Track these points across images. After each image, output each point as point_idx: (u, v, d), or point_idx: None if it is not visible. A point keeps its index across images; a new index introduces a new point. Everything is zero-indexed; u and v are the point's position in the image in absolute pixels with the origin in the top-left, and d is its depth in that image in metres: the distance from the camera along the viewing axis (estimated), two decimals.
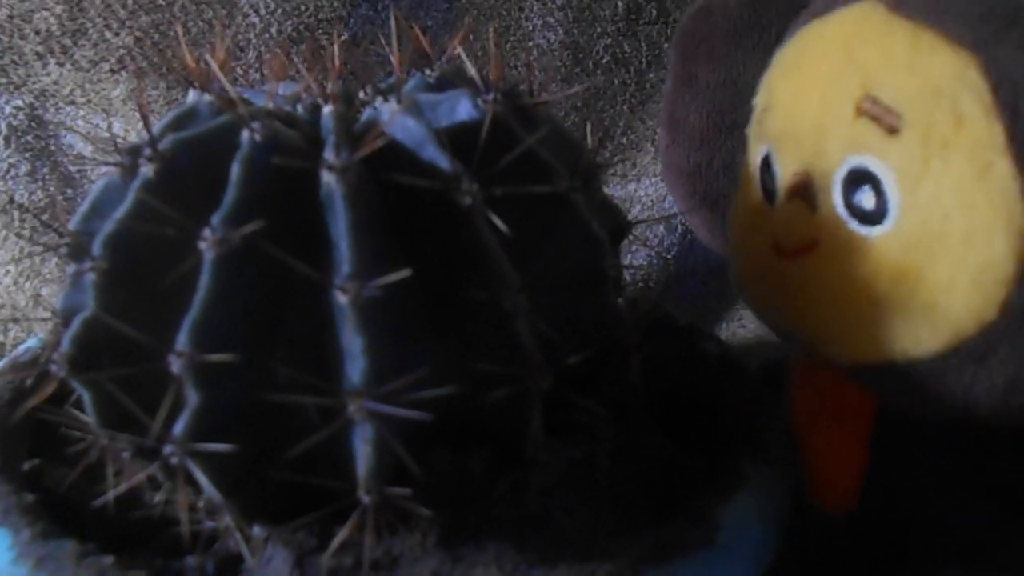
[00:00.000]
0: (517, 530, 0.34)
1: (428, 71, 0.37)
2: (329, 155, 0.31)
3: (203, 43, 0.56)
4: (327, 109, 0.33)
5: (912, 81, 0.35)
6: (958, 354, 0.35)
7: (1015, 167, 0.32)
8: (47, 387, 0.34)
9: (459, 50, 0.37)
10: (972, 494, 0.40)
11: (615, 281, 0.37)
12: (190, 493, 0.33)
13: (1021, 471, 0.40)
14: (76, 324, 0.32)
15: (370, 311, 0.30)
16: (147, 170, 0.31)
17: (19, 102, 0.58)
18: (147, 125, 0.32)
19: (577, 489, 0.36)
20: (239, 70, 0.57)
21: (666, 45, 0.60)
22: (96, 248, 0.31)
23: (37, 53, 0.57)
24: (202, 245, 0.30)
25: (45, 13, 0.56)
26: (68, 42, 0.57)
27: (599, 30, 0.60)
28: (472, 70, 0.35)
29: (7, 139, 0.58)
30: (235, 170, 0.31)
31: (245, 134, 0.31)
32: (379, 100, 0.34)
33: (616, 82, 0.61)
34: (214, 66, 0.34)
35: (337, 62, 0.35)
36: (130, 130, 0.57)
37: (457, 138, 0.33)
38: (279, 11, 0.57)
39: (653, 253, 0.62)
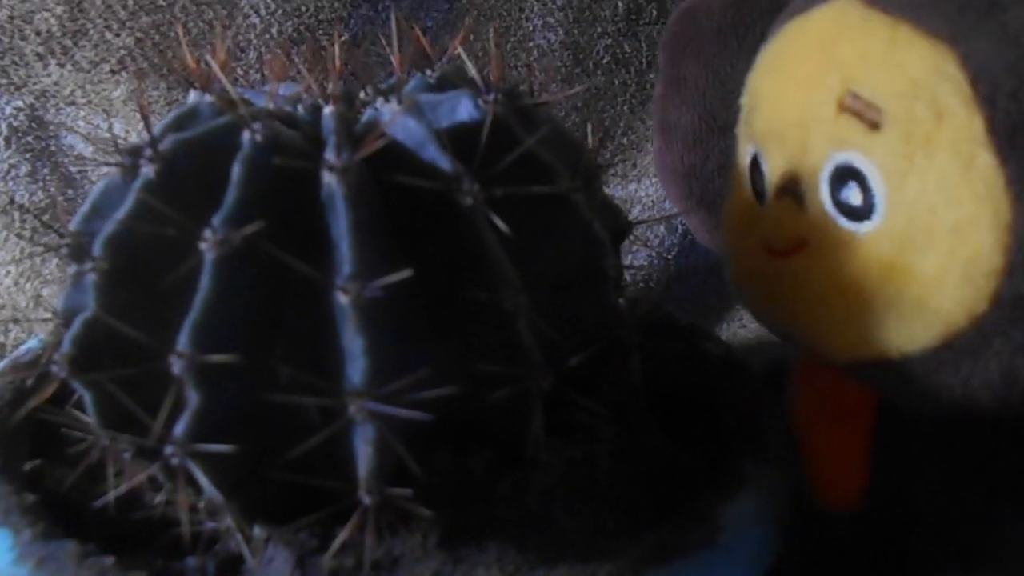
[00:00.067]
0: (518, 530, 0.34)
1: (429, 71, 0.37)
2: (330, 155, 0.31)
3: (204, 44, 0.56)
4: (328, 109, 0.33)
5: (891, 76, 0.35)
6: (952, 348, 0.35)
7: (998, 159, 0.32)
8: (48, 388, 0.34)
9: (460, 50, 0.37)
10: (972, 494, 0.40)
11: (616, 281, 0.37)
12: (191, 494, 0.33)
13: (1021, 470, 0.40)
14: (77, 325, 0.32)
15: (371, 311, 0.30)
16: (148, 171, 0.31)
17: (20, 103, 0.58)
18: (148, 126, 0.32)
19: (578, 489, 0.36)
20: (240, 71, 0.57)
21: None
22: (97, 249, 0.31)
23: (38, 54, 0.57)
24: (203, 246, 0.30)
25: (46, 14, 0.56)
26: (69, 43, 0.57)
27: (599, 30, 0.60)
28: (473, 70, 0.35)
29: (8, 140, 0.58)
30: (236, 171, 0.31)
31: (246, 135, 0.31)
32: (380, 101, 0.35)
33: (616, 82, 0.61)
34: (215, 67, 0.34)
35: (338, 63, 0.35)
36: (131, 131, 0.57)
37: (458, 138, 0.33)
38: (280, 12, 0.57)
39: (654, 253, 0.62)
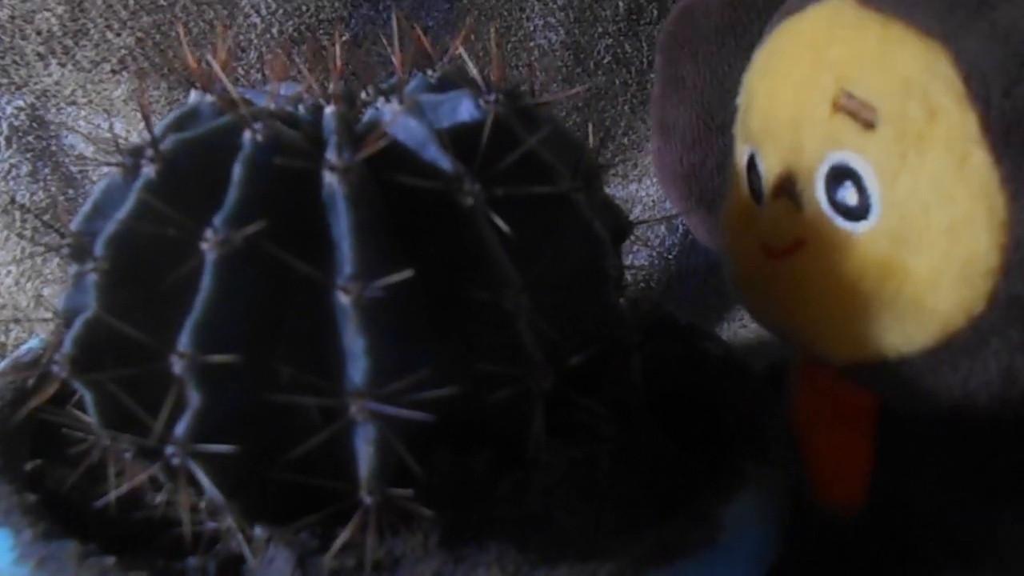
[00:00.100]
0: (519, 530, 0.34)
1: (430, 71, 0.37)
2: (331, 155, 0.31)
3: (205, 44, 0.56)
4: (329, 109, 0.33)
5: (884, 74, 0.35)
6: (949, 349, 0.35)
7: (992, 157, 0.32)
8: (49, 388, 0.34)
9: (460, 50, 0.37)
10: (972, 494, 0.40)
11: (617, 281, 0.37)
12: (192, 494, 0.33)
13: (1021, 470, 0.40)
14: (78, 325, 0.32)
15: (372, 311, 0.30)
16: (149, 170, 0.31)
17: (20, 102, 0.58)
18: (149, 125, 0.32)
19: (579, 489, 0.36)
20: (240, 70, 0.57)
21: None
22: (98, 249, 0.31)
23: (39, 53, 0.57)
24: (204, 246, 0.30)
25: (47, 13, 0.56)
26: (70, 42, 0.57)
27: (600, 30, 0.60)
28: (474, 70, 0.35)
29: (8, 139, 0.58)
30: (237, 170, 0.31)
31: (247, 134, 0.31)
32: (381, 100, 0.34)
33: (617, 82, 0.61)
34: (216, 66, 0.34)
35: (339, 62, 0.35)
36: (132, 130, 0.57)
37: (459, 138, 0.33)
38: (280, 11, 0.57)
39: (654, 253, 0.62)
